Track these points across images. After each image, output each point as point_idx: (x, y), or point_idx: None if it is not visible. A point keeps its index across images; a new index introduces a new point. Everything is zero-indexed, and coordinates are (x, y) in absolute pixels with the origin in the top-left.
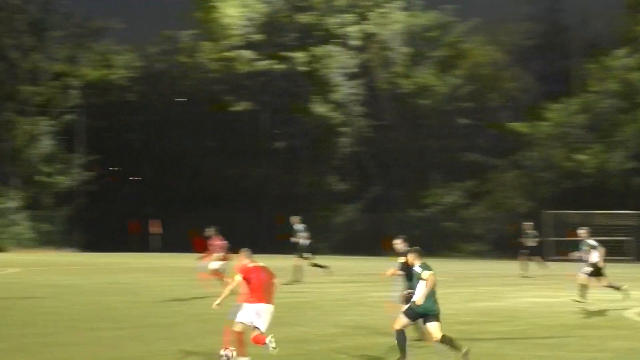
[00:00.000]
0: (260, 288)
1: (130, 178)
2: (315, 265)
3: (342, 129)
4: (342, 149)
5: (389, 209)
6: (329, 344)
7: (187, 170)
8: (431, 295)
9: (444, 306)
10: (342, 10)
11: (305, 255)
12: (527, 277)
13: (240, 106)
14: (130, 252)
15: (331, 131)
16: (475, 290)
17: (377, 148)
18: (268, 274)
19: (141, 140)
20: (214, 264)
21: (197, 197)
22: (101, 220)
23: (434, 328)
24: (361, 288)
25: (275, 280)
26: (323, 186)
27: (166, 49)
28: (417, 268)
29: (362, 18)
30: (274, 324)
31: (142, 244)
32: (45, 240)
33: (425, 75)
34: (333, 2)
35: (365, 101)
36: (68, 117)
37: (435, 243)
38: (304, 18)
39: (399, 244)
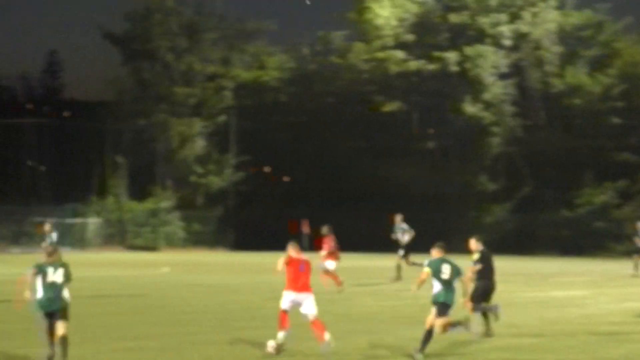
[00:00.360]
0: (297, 278)
1: (273, 178)
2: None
3: (493, 129)
4: (492, 148)
5: (539, 209)
6: (477, 344)
7: (336, 171)
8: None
9: (595, 306)
10: (494, 10)
11: (401, 253)
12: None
13: (391, 106)
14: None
15: (482, 131)
16: (626, 290)
17: (528, 148)
18: (307, 265)
19: (292, 141)
20: (328, 264)
21: (347, 197)
22: (252, 220)
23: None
24: (510, 288)
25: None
26: (473, 186)
27: (318, 49)
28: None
29: (515, 17)
30: (422, 323)
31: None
32: (197, 240)
33: (577, 75)
34: (486, 1)
35: (516, 101)
36: (221, 118)
37: (586, 243)
38: (456, 18)
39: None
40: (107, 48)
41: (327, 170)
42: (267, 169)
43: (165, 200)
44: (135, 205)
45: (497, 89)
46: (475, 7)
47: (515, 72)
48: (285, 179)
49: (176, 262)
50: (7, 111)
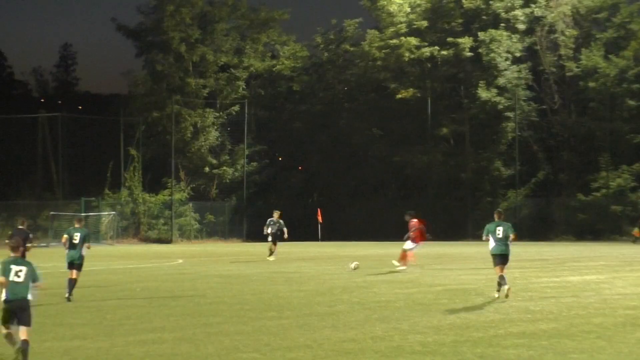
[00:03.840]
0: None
1: (288, 168)
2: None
3: (508, 114)
4: (507, 133)
5: (555, 194)
6: (493, 330)
7: (351, 159)
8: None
9: (611, 291)
10: None
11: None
12: None
13: (406, 93)
14: (301, 241)
15: (497, 116)
16: None
17: (544, 132)
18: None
19: (306, 130)
20: (408, 245)
21: (362, 185)
22: (267, 210)
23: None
24: (525, 274)
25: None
26: (489, 172)
27: (332, 38)
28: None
29: (529, 1)
30: (437, 310)
31: (312, 234)
32: (212, 231)
33: (592, 58)
34: None
35: (531, 85)
36: (235, 108)
37: (602, 227)
38: (469, 3)
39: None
40: (120, 41)
41: (341, 159)
42: (281, 159)
43: (179, 192)
44: (149, 198)
45: (511, 73)
46: None
47: (530, 56)
48: (300, 168)
49: (190, 254)
50: (21, 105)
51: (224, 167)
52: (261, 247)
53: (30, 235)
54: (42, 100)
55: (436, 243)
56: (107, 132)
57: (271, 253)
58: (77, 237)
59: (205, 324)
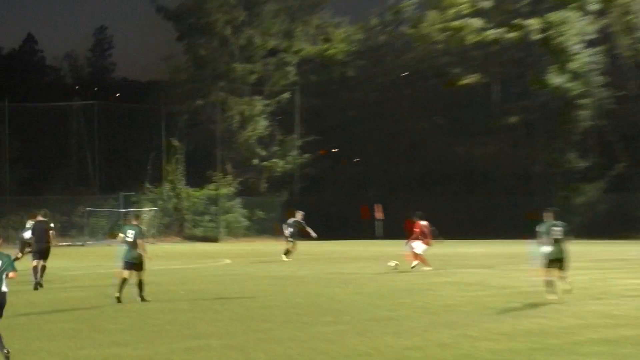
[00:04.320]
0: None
1: (342, 160)
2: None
3: (582, 101)
4: (582, 122)
5: (635, 188)
6: (570, 337)
7: (410, 151)
8: None
9: None
10: None
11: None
12: None
13: (469, 79)
14: (358, 239)
15: (570, 104)
16: None
17: (621, 121)
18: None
19: (361, 119)
20: (418, 247)
21: (422, 179)
22: (320, 206)
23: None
24: (605, 275)
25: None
26: (562, 164)
27: (389, 20)
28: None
29: None
30: (509, 314)
31: (369, 231)
32: (261, 229)
33: None
34: None
35: (607, 70)
36: (284, 96)
37: None
38: None
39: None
40: (160, 23)
41: (400, 151)
42: (335, 150)
43: (225, 187)
44: (193, 192)
45: (584, 57)
46: None
47: (604, 39)
48: (355, 160)
49: (238, 253)
50: (54, 93)
51: (274, 159)
52: (315, 246)
53: (52, 227)
54: (76, 87)
55: (504, 242)
56: (146, 122)
57: (287, 253)
58: (130, 235)
59: (256, 330)
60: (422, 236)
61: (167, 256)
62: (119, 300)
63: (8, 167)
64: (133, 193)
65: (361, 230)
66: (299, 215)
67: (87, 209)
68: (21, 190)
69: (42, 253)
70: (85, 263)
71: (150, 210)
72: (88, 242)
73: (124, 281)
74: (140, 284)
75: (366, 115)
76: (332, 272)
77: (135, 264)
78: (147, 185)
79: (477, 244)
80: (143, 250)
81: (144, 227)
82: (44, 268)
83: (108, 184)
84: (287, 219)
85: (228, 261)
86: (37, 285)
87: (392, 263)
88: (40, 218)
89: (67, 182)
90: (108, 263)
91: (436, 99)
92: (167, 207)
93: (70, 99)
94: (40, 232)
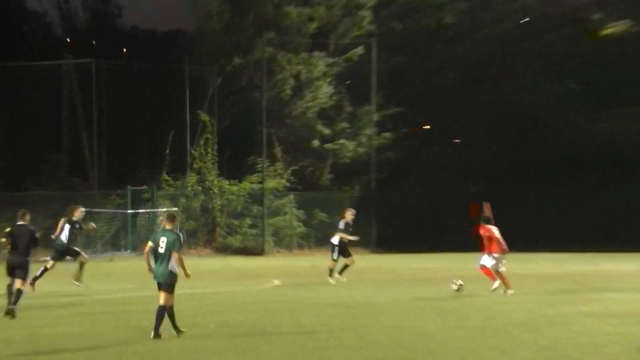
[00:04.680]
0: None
1: (443, 141)
2: None
3: None
4: None
5: None
6: None
7: (530, 128)
8: None
9: None
10: None
11: None
12: None
13: (615, 27)
14: (456, 250)
15: None
16: None
17: None
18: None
19: (463, 84)
20: (485, 259)
21: (547, 166)
22: (406, 204)
23: None
24: None
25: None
26: None
27: None
28: None
29: None
30: None
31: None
32: (323, 237)
33: None
34: None
35: None
36: (356, 51)
37: None
38: None
39: None
40: None
41: (517, 127)
42: (426, 127)
43: (273, 179)
44: (228, 187)
45: None
46: None
47: None
48: (454, 141)
49: (291, 271)
50: (38, 49)
51: (341, 140)
52: (399, 261)
53: (37, 234)
54: (69, 40)
55: None
56: (164, 88)
57: (331, 273)
58: (162, 244)
59: None
60: (489, 244)
61: (192, 275)
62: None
63: None
64: (145, 187)
65: (462, 238)
66: (349, 215)
67: (82, 209)
68: None
69: (22, 268)
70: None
71: (170, 212)
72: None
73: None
74: (160, 313)
75: (470, 78)
76: (422, 297)
77: (164, 283)
78: (165, 176)
79: (625, 258)
80: (179, 266)
81: (182, 233)
82: (19, 292)
83: (111, 175)
84: (339, 222)
85: (277, 282)
86: (11, 312)
87: (455, 285)
88: (20, 222)
89: (56, 173)
90: (111, 284)
91: (569, 55)
92: (192, 207)
93: (61, 57)
94: (21, 241)
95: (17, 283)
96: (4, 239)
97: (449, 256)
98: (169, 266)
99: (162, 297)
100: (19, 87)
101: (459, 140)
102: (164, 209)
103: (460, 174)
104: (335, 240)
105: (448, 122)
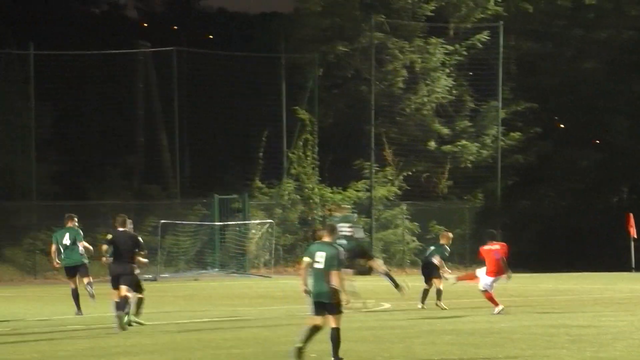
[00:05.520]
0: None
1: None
2: None
3: None
4: None
5: None
6: None
7: None
8: None
9: None
10: None
11: None
12: None
13: None
14: (600, 269)
15: None
16: None
17: None
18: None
19: (607, 75)
20: (483, 280)
21: None
22: (538, 216)
23: None
24: None
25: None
26: None
27: None
28: None
29: None
30: None
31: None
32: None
33: None
34: None
35: None
36: (480, 37)
37: None
38: None
39: None
40: None
41: None
42: (561, 126)
43: (384, 186)
44: (331, 195)
45: None
46: None
47: None
48: (595, 142)
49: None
50: (109, 35)
51: (463, 141)
52: (525, 281)
53: (140, 238)
54: (145, 25)
55: None
56: (257, 80)
57: (439, 294)
58: (320, 260)
59: None
60: (490, 264)
61: (289, 297)
62: (299, 352)
63: (34, 154)
64: (235, 196)
65: (608, 255)
66: (445, 239)
67: (162, 221)
68: (53, 191)
69: (126, 275)
70: (163, 308)
71: (263, 225)
72: (162, 275)
73: (315, 330)
74: (334, 336)
75: (613, 67)
76: (554, 324)
77: (329, 304)
78: (258, 183)
79: None
80: (339, 285)
81: (342, 248)
82: (140, 300)
83: (194, 182)
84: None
85: (387, 305)
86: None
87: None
88: (120, 228)
89: (128, 180)
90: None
91: None
92: (289, 219)
93: (136, 45)
94: (123, 248)
95: (122, 290)
96: (105, 247)
97: (588, 276)
98: (331, 283)
99: (332, 320)
100: (86, 79)
101: (599, 141)
102: (257, 221)
103: (602, 180)
104: (435, 260)
105: (588, 120)
